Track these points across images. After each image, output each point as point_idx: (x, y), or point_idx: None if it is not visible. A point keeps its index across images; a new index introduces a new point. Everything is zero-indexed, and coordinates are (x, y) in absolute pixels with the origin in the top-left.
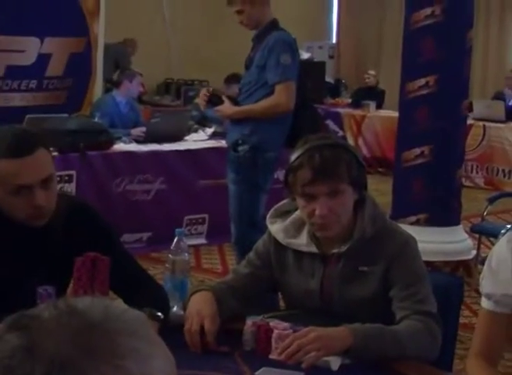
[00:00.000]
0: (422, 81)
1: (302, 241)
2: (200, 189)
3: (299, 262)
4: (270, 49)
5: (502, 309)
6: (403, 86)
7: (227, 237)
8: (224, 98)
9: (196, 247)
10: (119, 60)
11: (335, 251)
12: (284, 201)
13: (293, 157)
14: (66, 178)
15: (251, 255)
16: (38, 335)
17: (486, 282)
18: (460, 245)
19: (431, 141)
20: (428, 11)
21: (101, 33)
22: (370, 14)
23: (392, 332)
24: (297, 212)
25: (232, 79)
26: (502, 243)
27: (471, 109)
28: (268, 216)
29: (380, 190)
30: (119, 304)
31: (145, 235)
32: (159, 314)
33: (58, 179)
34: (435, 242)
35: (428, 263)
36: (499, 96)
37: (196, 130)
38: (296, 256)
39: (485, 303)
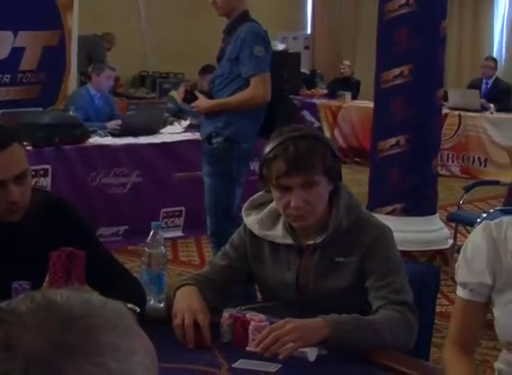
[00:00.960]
0: (397, 71)
1: (277, 233)
2: (176, 182)
3: (275, 254)
4: (242, 41)
5: (477, 298)
6: (378, 76)
7: (204, 230)
8: (197, 93)
9: (173, 240)
10: (93, 53)
11: (310, 242)
12: (259, 193)
13: (268, 149)
14: (41, 172)
15: (227, 247)
16: (16, 330)
17: (461, 271)
18: (437, 234)
19: (406, 130)
20: (402, 0)
21: (75, 26)
22: (345, 4)
23: (368, 322)
24: (272, 204)
25: (207, 70)
26: (477, 232)
27: (446, 99)
28: (243, 208)
29: (357, 180)
30: (98, 297)
31: (122, 228)
32: (135, 308)
33: (33, 173)
34: (412, 232)
35: (405, 253)
36: (474, 85)
37: (171, 123)
38: (272, 248)
39: (460, 292)
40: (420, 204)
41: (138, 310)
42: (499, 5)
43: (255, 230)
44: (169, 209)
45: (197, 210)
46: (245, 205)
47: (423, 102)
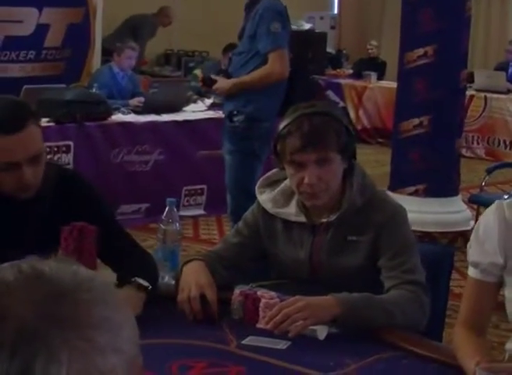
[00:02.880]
0: (421, 51)
1: (291, 211)
2: (198, 160)
3: (288, 232)
4: (260, 18)
5: (488, 278)
6: (401, 56)
7: (226, 208)
8: (214, 77)
9: (194, 218)
10: (137, 31)
11: (324, 220)
12: (273, 171)
13: (282, 125)
14: (64, 149)
15: (240, 224)
16: (4, 300)
17: (473, 250)
18: (459, 216)
19: (429, 111)
20: None
21: (100, 3)
22: None
23: (379, 301)
24: (286, 182)
25: (230, 48)
26: (489, 212)
27: (472, 80)
28: (257, 185)
29: (380, 161)
30: (85, 270)
31: (143, 206)
32: (147, 284)
33: (56, 149)
34: (434, 213)
35: (426, 234)
36: (501, 67)
37: (195, 101)
38: (285, 226)
39: (471, 271)
40: (442, 185)
41: (150, 287)
42: None
43: (268, 207)
44: (191, 187)
45: (219, 188)
46: (259, 182)
47: (446, 83)
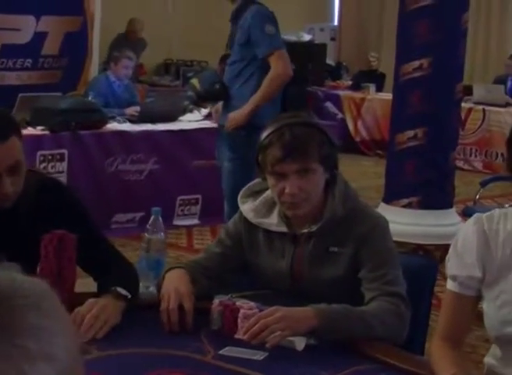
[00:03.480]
0: (416, 63)
1: (273, 221)
2: (193, 170)
3: (269, 242)
4: (250, 24)
5: (466, 291)
6: (397, 68)
7: (220, 218)
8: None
9: (188, 227)
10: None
11: (305, 231)
12: (256, 181)
13: (264, 135)
14: (58, 157)
15: (222, 234)
16: None
17: (452, 263)
18: (453, 229)
19: (424, 123)
20: None
21: (98, 12)
22: None
23: (358, 313)
24: (268, 192)
25: (225, 58)
26: (468, 225)
27: (470, 93)
28: (239, 195)
29: (378, 172)
30: (23, 277)
31: (138, 215)
32: (126, 294)
33: (50, 157)
34: (428, 225)
35: (420, 246)
36: (499, 80)
37: (191, 111)
38: (267, 236)
39: (450, 284)
40: (436, 197)
41: (129, 296)
42: None
43: (250, 217)
44: (186, 197)
45: (214, 198)
46: (241, 192)
47: (442, 96)
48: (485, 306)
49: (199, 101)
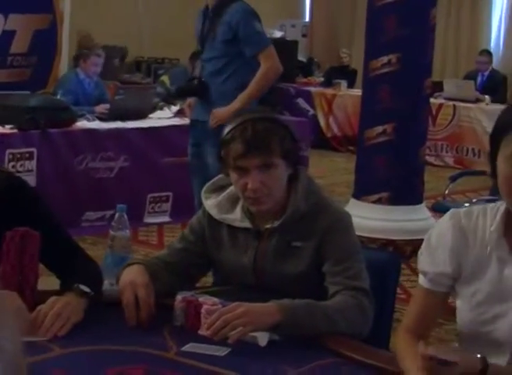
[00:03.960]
0: (385, 59)
1: (236, 217)
2: (164, 167)
3: (233, 238)
4: (239, 21)
5: (437, 288)
6: (366, 64)
7: (191, 215)
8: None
9: (159, 225)
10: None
11: (268, 226)
12: (219, 176)
13: (226, 130)
14: (27, 155)
15: (186, 230)
16: None
17: (423, 259)
18: (423, 224)
19: (393, 119)
20: None
21: (67, 10)
22: None
23: (321, 307)
24: (232, 188)
25: (196, 55)
26: (443, 220)
27: (441, 89)
28: (202, 191)
29: (349, 168)
30: None
31: (108, 213)
32: (88, 291)
33: (19, 156)
34: (397, 221)
35: (390, 242)
36: (470, 76)
37: (161, 108)
38: (231, 232)
39: (421, 280)
40: (406, 193)
41: (91, 293)
42: None
43: (214, 213)
44: (156, 194)
45: (185, 196)
46: (205, 187)
47: (411, 91)
48: (459, 303)
49: (174, 97)
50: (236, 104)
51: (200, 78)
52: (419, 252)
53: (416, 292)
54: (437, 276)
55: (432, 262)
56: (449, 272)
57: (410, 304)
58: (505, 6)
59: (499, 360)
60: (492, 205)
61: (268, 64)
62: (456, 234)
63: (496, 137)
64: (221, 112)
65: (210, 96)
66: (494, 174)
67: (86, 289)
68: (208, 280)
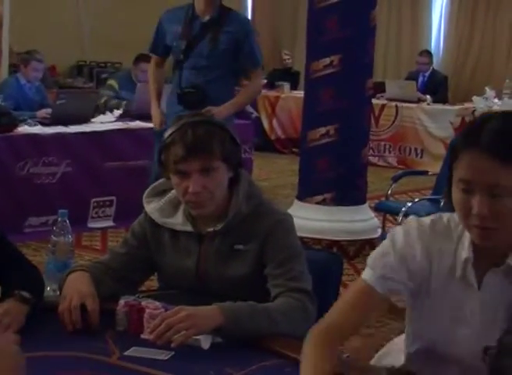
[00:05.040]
0: (327, 61)
1: (177, 220)
2: (107, 171)
3: (175, 242)
4: (246, 35)
5: (382, 289)
6: (308, 66)
7: (135, 220)
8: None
9: (103, 230)
10: None
11: (210, 229)
12: (160, 180)
13: (167, 134)
14: None
15: (128, 235)
16: None
17: (382, 258)
18: (366, 224)
19: (336, 120)
20: None
21: (7, 12)
22: None
23: (264, 309)
24: (173, 191)
25: (141, 59)
26: (411, 231)
27: (383, 90)
28: (144, 195)
29: (294, 170)
30: None
31: (51, 218)
32: (28, 297)
33: None
34: (341, 221)
35: (335, 242)
36: (411, 77)
37: (103, 112)
38: (173, 235)
39: (367, 274)
40: (350, 193)
41: (32, 300)
42: None
43: (155, 217)
44: (100, 199)
45: (129, 200)
46: (146, 192)
47: (353, 92)
48: (414, 317)
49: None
50: (227, 110)
51: (198, 86)
52: (377, 248)
53: (354, 286)
54: (389, 279)
55: (391, 266)
56: (410, 285)
57: (340, 297)
58: (444, 6)
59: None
60: (454, 219)
61: (259, 81)
62: (423, 253)
63: (451, 160)
64: (217, 110)
65: (210, 103)
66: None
67: (27, 295)
68: (153, 283)
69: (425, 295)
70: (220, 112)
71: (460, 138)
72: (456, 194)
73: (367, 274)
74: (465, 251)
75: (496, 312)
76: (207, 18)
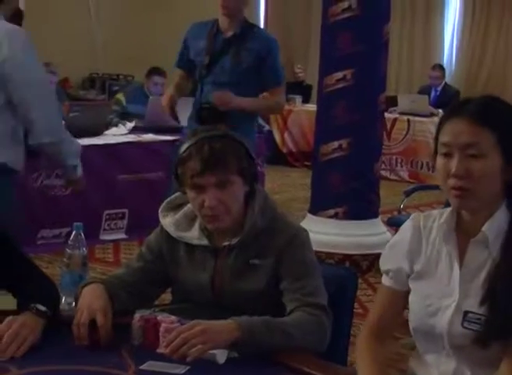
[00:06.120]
0: (339, 75)
1: (193, 234)
2: (119, 184)
3: (190, 256)
4: (269, 51)
5: (397, 286)
6: (321, 80)
7: (147, 232)
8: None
9: (115, 242)
10: None
11: (226, 243)
12: (176, 194)
13: (183, 148)
14: None
15: (143, 249)
16: None
17: (385, 258)
18: (378, 238)
19: (348, 134)
20: (345, 4)
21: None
22: (297, 8)
23: (279, 324)
24: (189, 205)
25: (154, 72)
26: (406, 222)
27: (395, 104)
28: (160, 209)
29: (306, 184)
30: None
31: (64, 230)
32: (45, 310)
33: None
34: (354, 236)
35: (347, 256)
36: (424, 91)
37: (116, 125)
38: (188, 250)
39: (384, 279)
40: (362, 208)
41: (49, 313)
42: (450, 10)
43: (171, 231)
44: (112, 211)
45: (141, 212)
46: (162, 206)
47: (365, 106)
48: (411, 297)
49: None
50: (244, 102)
51: (215, 108)
52: (381, 256)
53: (378, 292)
54: (397, 272)
55: (391, 259)
56: (406, 268)
57: (374, 304)
58: (457, 21)
59: (441, 355)
60: (450, 208)
61: (282, 99)
62: (414, 234)
63: (436, 134)
64: (232, 97)
65: (230, 121)
66: None
67: (43, 309)
68: (167, 297)
69: (419, 275)
70: (236, 99)
71: (445, 112)
72: (439, 161)
73: (382, 279)
74: (446, 218)
75: (477, 280)
76: (230, 34)
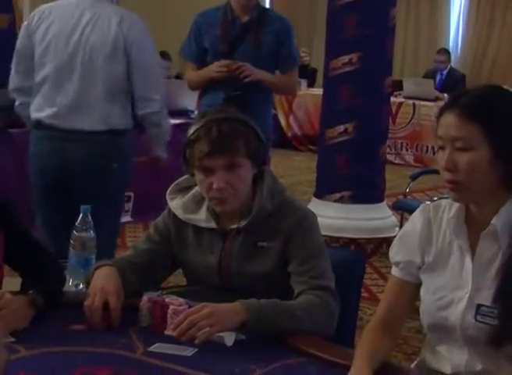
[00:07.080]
0: (346, 58)
1: (201, 217)
2: None
3: (198, 238)
4: (285, 34)
5: (407, 277)
6: (327, 63)
7: (153, 215)
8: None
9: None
10: None
11: (234, 226)
12: (184, 177)
13: (191, 131)
14: None
15: (151, 231)
16: None
17: (395, 249)
18: (384, 222)
19: (354, 118)
20: None
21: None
22: None
23: (287, 307)
24: (197, 188)
25: (161, 56)
26: (416, 213)
27: (401, 88)
28: (168, 191)
29: (311, 168)
30: None
31: None
32: (39, 302)
33: None
34: (359, 219)
35: (352, 240)
36: (429, 75)
37: None
38: (196, 232)
39: (394, 270)
40: (368, 191)
41: (40, 303)
42: None
43: (179, 213)
44: None
45: (146, 195)
46: (170, 188)
47: (371, 90)
48: (422, 290)
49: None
50: (267, 77)
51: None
52: (391, 246)
53: (388, 283)
54: (407, 264)
55: (402, 250)
56: (417, 260)
57: (383, 295)
58: (462, 5)
59: (453, 346)
60: None
61: (296, 80)
62: (424, 226)
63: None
64: (254, 68)
65: (251, 108)
66: None
67: (39, 300)
68: (177, 280)
69: (431, 267)
70: (256, 71)
71: (441, 106)
72: (437, 155)
73: (392, 270)
74: (455, 212)
75: (489, 273)
76: (246, 19)
